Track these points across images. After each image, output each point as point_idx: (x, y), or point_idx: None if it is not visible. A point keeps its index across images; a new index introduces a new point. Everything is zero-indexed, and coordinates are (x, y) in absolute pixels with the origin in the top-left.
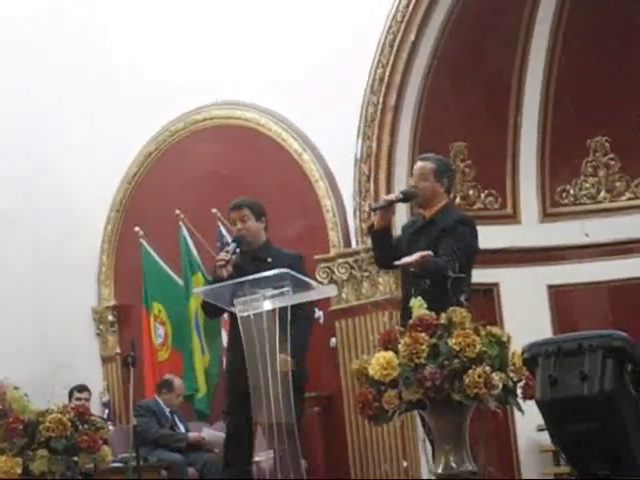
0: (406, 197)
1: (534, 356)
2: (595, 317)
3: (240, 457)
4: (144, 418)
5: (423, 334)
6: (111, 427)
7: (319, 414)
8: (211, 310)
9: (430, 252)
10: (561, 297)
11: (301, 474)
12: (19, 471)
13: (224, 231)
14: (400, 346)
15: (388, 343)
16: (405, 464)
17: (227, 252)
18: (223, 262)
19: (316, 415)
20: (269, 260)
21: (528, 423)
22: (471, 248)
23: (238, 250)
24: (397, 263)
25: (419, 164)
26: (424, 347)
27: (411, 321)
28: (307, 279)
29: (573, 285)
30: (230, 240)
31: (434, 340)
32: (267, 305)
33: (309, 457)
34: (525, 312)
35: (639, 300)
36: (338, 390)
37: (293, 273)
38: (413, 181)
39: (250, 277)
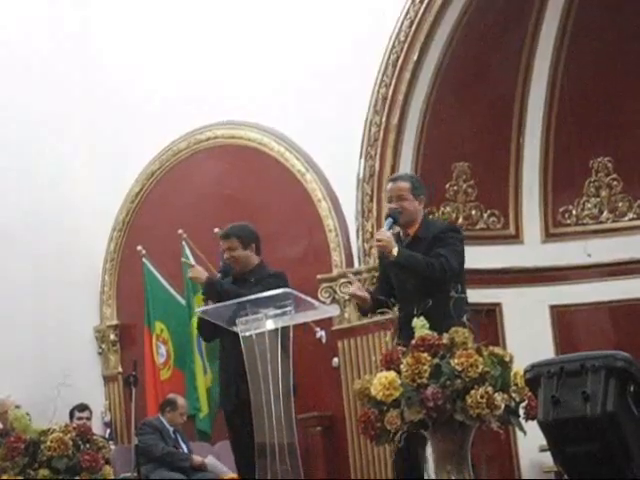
0: (395, 220)
1: (536, 376)
2: (597, 337)
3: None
4: (150, 435)
5: (425, 354)
6: (112, 446)
7: (321, 434)
8: (207, 332)
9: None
10: (563, 317)
11: None
12: None
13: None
14: (402, 366)
15: (390, 363)
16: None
17: None
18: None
19: (318, 435)
20: (252, 280)
21: (531, 443)
22: (462, 254)
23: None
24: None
25: (393, 186)
26: (426, 367)
27: (413, 341)
28: (310, 299)
29: (575, 305)
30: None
31: (436, 360)
32: (269, 325)
33: (311, 477)
34: (527, 332)
35: None
36: (340, 410)
37: (296, 293)
38: (393, 204)
39: (252, 297)
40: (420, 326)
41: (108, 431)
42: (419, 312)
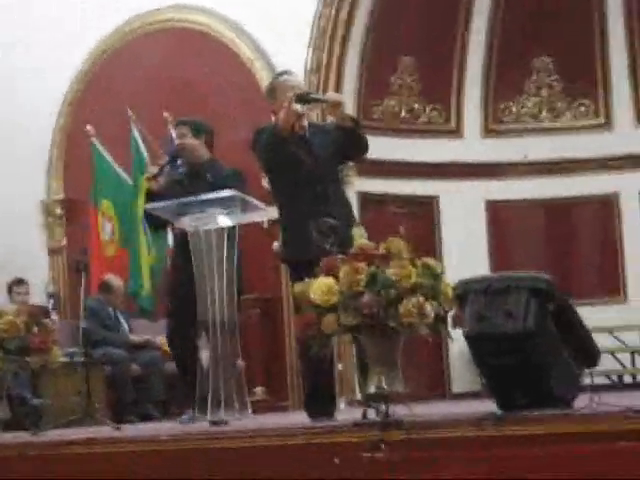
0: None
1: (465, 293)
2: (530, 233)
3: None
4: (90, 319)
5: (362, 264)
6: (55, 317)
7: (259, 316)
8: (154, 224)
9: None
10: (498, 212)
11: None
12: None
13: (174, 135)
14: (340, 274)
15: (330, 270)
16: (340, 367)
17: (158, 165)
18: (150, 175)
19: (256, 317)
20: (208, 177)
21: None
22: None
23: (179, 164)
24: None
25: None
26: (363, 276)
27: (352, 250)
28: (255, 201)
29: (511, 201)
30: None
31: (372, 270)
32: (216, 223)
33: (247, 358)
34: (463, 225)
35: (574, 217)
36: (278, 293)
37: (243, 196)
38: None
39: (202, 197)
40: (359, 235)
41: (51, 302)
42: (332, 192)
